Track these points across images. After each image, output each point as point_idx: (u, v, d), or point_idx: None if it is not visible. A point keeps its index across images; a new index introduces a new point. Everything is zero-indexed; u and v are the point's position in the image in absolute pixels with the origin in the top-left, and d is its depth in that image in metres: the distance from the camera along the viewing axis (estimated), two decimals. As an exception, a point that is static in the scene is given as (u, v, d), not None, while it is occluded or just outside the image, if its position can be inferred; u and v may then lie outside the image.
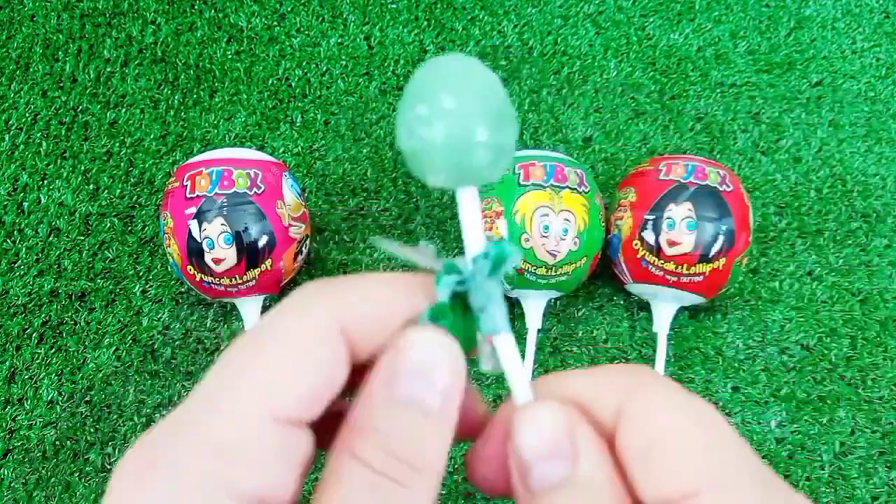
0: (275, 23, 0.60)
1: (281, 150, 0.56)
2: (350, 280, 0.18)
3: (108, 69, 0.58)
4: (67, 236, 0.53)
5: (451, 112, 0.16)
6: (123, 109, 0.57)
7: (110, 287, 0.51)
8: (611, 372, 0.18)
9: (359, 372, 0.18)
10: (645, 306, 0.51)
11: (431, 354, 0.16)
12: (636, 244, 0.46)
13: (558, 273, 0.45)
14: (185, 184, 0.44)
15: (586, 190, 0.46)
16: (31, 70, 0.58)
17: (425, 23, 0.60)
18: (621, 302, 0.51)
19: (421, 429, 0.16)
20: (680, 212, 0.44)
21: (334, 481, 0.16)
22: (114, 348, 0.50)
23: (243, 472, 0.15)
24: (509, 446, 0.17)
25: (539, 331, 0.49)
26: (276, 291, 0.48)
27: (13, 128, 0.56)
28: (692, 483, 0.15)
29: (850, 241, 0.53)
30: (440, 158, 0.16)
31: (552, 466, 0.16)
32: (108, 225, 0.53)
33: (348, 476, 0.15)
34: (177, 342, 0.50)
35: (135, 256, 0.52)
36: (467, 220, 0.17)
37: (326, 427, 0.17)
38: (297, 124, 0.56)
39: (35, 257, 0.52)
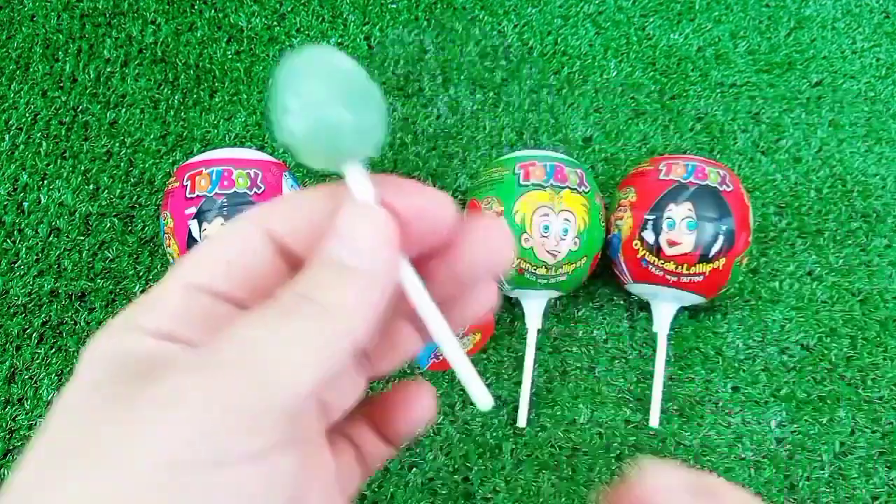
0: (275, 23, 0.60)
1: (281, 150, 0.56)
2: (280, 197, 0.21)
3: (108, 69, 0.58)
4: (67, 236, 0.53)
5: (311, 102, 0.18)
6: (123, 109, 0.57)
7: (110, 287, 0.51)
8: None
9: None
10: (645, 306, 0.51)
11: (353, 221, 0.18)
12: (636, 244, 0.46)
13: (558, 273, 0.45)
14: (185, 184, 0.44)
15: (586, 190, 0.46)
16: (31, 70, 0.58)
17: (425, 23, 0.60)
18: (621, 302, 0.51)
19: (336, 274, 0.18)
20: (680, 212, 0.44)
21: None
22: (114, 348, 0.50)
23: (149, 312, 0.18)
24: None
25: (539, 331, 0.49)
26: (276, 291, 0.48)
27: (13, 128, 0.56)
28: None
29: (850, 241, 0.53)
30: (310, 145, 0.18)
31: None
32: (108, 225, 0.53)
33: (270, 300, 0.18)
34: (177, 342, 0.50)
35: (135, 256, 0.52)
36: (358, 195, 0.19)
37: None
38: (297, 124, 0.56)
39: (35, 257, 0.52)
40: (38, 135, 0.56)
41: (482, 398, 0.20)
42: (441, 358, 0.46)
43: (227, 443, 0.15)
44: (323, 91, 0.18)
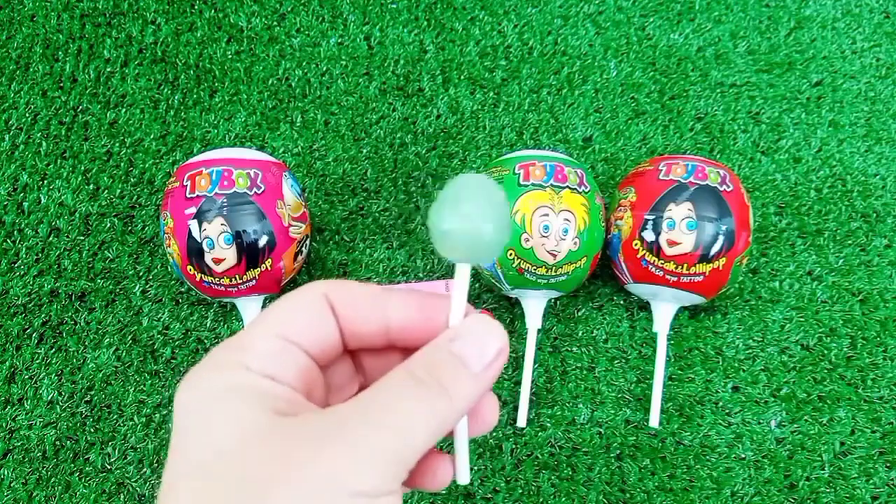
0: (275, 23, 0.60)
1: (281, 150, 0.56)
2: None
3: (108, 69, 0.58)
4: (67, 236, 0.53)
5: (467, 215, 0.22)
6: (123, 109, 0.57)
7: (110, 287, 0.51)
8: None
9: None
10: (645, 306, 0.51)
11: (488, 333, 0.22)
12: (636, 244, 0.46)
13: (558, 273, 0.45)
14: (185, 184, 0.44)
15: (586, 190, 0.46)
16: (31, 70, 0.58)
17: (425, 23, 0.60)
18: (621, 302, 0.51)
19: (462, 372, 0.21)
20: (680, 212, 0.44)
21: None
22: (114, 348, 0.50)
23: (252, 357, 0.21)
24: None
25: (539, 330, 0.49)
26: (276, 291, 0.48)
27: (13, 128, 0.56)
28: None
29: (850, 241, 0.53)
30: (455, 244, 0.22)
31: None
32: (108, 225, 0.53)
33: (394, 372, 0.21)
34: (177, 342, 0.50)
35: (135, 256, 0.52)
36: (458, 289, 0.23)
37: None
38: (297, 124, 0.56)
39: (35, 257, 0.52)
40: (38, 135, 0.56)
41: (464, 476, 0.25)
42: None
43: (383, 482, 0.19)
44: (478, 209, 0.22)
